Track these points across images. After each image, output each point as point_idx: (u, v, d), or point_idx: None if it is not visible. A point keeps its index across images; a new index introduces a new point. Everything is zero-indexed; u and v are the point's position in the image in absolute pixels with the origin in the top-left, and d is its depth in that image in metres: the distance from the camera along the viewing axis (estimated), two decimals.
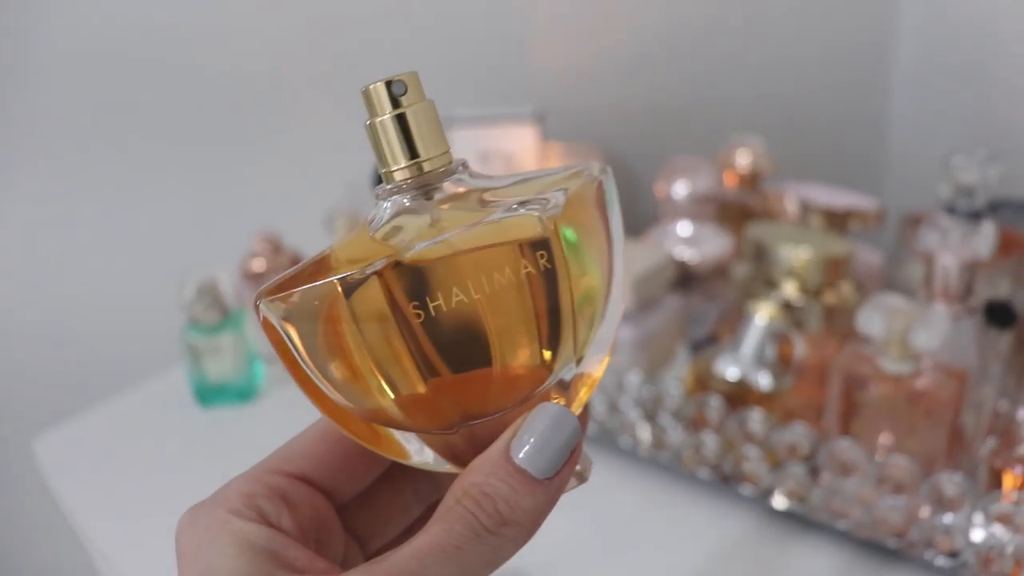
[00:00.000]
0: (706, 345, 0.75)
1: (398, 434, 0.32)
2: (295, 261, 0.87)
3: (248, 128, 1.00)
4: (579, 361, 0.33)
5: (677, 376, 0.76)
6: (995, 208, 0.74)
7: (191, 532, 0.31)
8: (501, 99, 0.99)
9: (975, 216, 0.72)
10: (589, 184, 0.33)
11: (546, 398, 0.32)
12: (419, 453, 0.33)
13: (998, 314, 0.69)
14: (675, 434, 0.68)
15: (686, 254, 0.83)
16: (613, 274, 0.34)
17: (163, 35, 0.92)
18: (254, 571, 0.29)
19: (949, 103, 0.99)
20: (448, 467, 0.33)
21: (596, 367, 0.34)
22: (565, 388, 0.33)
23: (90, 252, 0.98)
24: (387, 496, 0.38)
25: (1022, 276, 0.80)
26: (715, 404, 0.68)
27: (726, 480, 0.66)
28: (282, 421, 0.78)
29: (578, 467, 0.33)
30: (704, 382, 0.72)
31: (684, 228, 0.85)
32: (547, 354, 0.32)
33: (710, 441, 0.66)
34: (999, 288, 0.75)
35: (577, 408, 0.34)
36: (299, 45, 0.97)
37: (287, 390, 0.85)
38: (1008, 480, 0.58)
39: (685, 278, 0.83)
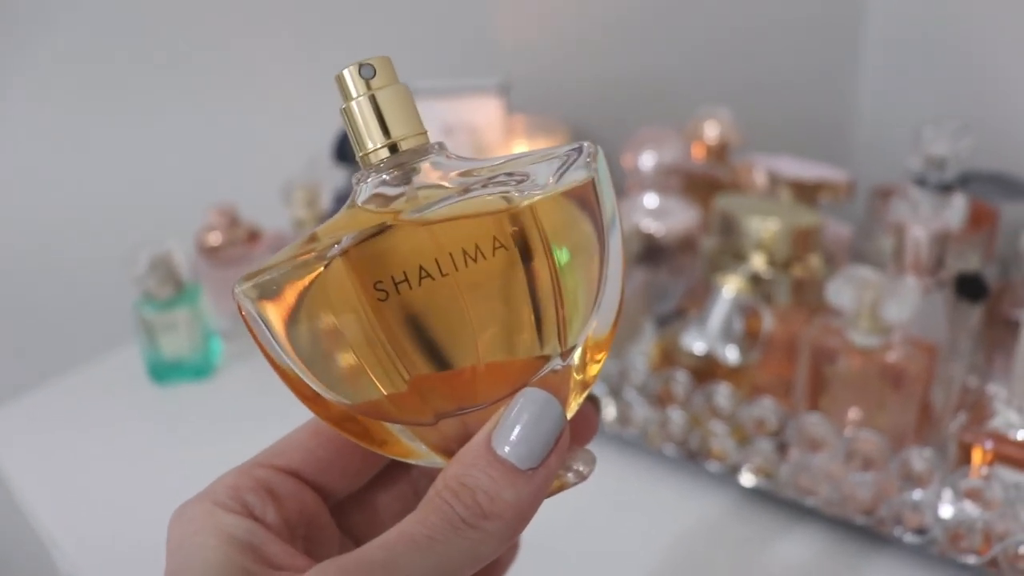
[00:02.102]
0: (672, 319, 0.74)
1: (392, 429, 0.31)
2: (252, 234, 0.85)
3: (203, 97, 0.97)
4: (568, 352, 0.31)
5: (643, 351, 0.75)
6: (966, 181, 0.73)
7: (179, 524, 0.30)
8: (465, 71, 0.97)
9: (946, 188, 0.71)
10: (574, 165, 0.31)
11: (544, 388, 0.30)
12: (413, 449, 0.32)
13: (969, 287, 0.68)
14: (641, 410, 0.66)
15: (652, 226, 0.81)
16: (607, 259, 0.32)
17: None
18: (230, 563, 0.28)
19: (920, 74, 0.98)
20: (442, 462, 0.32)
21: (593, 359, 0.33)
22: (561, 378, 0.32)
23: (40, 223, 0.96)
24: (386, 496, 0.37)
25: (993, 249, 0.79)
26: (681, 379, 0.66)
27: (692, 457, 0.64)
28: (239, 398, 0.78)
29: (578, 465, 0.32)
30: (670, 357, 0.70)
31: (650, 200, 0.83)
32: (532, 341, 0.30)
33: (676, 417, 0.65)
34: (970, 261, 0.74)
35: (576, 399, 0.33)
36: (259, 14, 0.95)
37: (245, 367, 0.83)
38: (977, 456, 0.58)
39: (651, 251, 0.81)
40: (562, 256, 0.30)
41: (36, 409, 0.80)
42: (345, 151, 0.87)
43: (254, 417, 0.75)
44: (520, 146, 0.91)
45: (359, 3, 0.96)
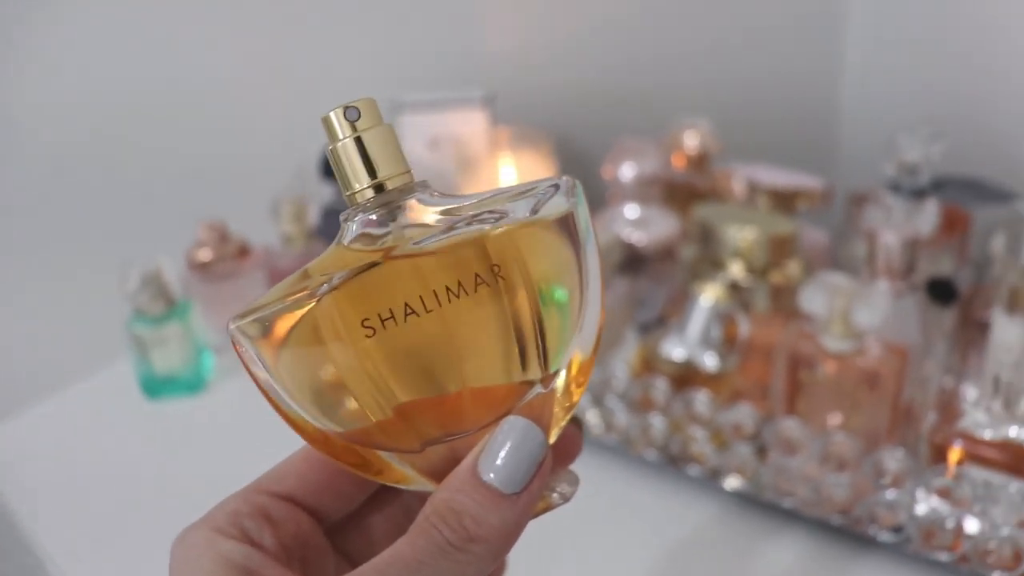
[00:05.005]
0: (655, 327, 0.75)
1: (382, 456, 0.32)
2: (242, 250, 0.86)
3: (190, 112, 0.98)
4: (551, 377, 0.33)
5: (624, 359, 0.76)
6: (940, 186, 0.75)
7: (180, 549, 0.32)
8: (450, 83, 0.98)
9: (919, 194, 0.73)
10: (553, 199, 0.32)
11: (529, 413, 0.32)
12: (404, 474, 0.33)
13: (939, 291, 0.70)
14: (622, 416, 0.68)
15: (633, 236, 0.83)
16: (587, 285, 0.33)
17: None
18: None
19: (900, 82, 0.99)
20: (431, 487, 0.33)
21: (576, 384, 0.34)
22: (546, 402, 0.33)
23: (30, 243, 0.97)
24: (379, 517, 0.38)
25: (966, 253, 0.80)
26: (661, 386, 0.68)
27: (674, 461, 0.66)
28: (231, 412, 0.79)
29: (563, 486, 0.34)
30: (651, 364, 0.72)
31: (631, 211, 0.85)
32: (515, 370, 0.32)
33: (657, 423, 0.66)
34: (942, 265, 0.76)
35: (560, 422, 0.34)
36: (242, 28, 0.96)
37: (236, 381, 0.84)
38: (953, 455, 0.59)
39: (633, 260, 0.83)
40: (542, 288, 0.31)
41: (30, 425, 0.81)
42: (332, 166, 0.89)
43: (246, 430, 0.76)
44: (505, 158, 0.93)
45: (344, 17, 0.98)
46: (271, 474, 0.35)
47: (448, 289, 0.30)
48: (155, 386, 0.82)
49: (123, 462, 0.75)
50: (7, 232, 0.96)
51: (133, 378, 0.83)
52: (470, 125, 0.91)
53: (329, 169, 0.88)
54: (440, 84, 0.99)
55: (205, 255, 0.85)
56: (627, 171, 0.84)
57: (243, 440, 0.75)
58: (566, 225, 0.32)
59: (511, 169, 0.92)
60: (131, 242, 0.88)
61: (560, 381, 0.33)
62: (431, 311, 0.30)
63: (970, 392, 0.61)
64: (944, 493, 0.57)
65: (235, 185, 0.99)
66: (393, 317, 0.29)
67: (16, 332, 1.00)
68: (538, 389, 0.32)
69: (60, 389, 0.85)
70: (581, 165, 1.03)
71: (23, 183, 0.94)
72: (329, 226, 0.89)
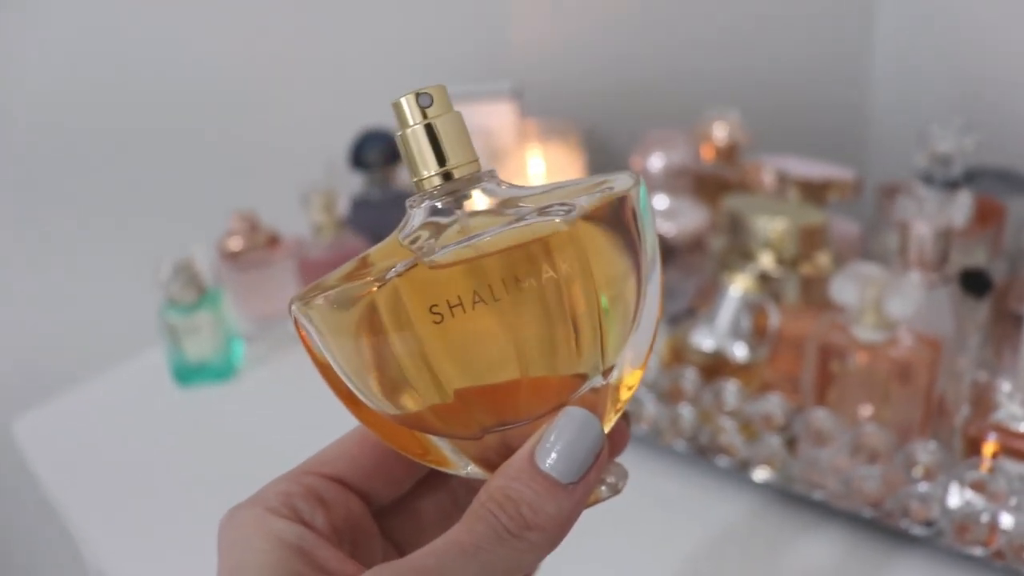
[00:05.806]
0: (684, 318, 0.75)
1: (435, 441, 0.33)
2: (272, 239, 0.87)
3: (224, 105, 0.99)
4: (608, 371, 0.33)
5: (654, 349, 0.76)
6: (972, 177, 0.74)
7: (230, 528, 0.32)
8: (478, 76, 0.98)
9: (952, 185, 0.72)
10: (617, 193, 0.32)
11: (583, 405, 0.32)
12: (455, 460, 0.33)
13: (973, 282, 0.69)
14: (652, 407, 0.68)
15: (663, 227, 0.83)
16: (646, 284, 0.33)
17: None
18: (283, 566, 0.30)
19: (932, 72, 0.99)
20: (482, 474, 0.33)
21: (630, 378, 0.34)
22: (599, 396, 0.33)
23: (65, 234, 0.98)
24: (426, 503, 0.38)
25: (1000, 245, 0.80)
26: (690, 376, 0.68)
27: (703, 452, 0.66)
28: (261, 399, 0.80)
29: (611, 479, 0.33)
30: (681, 354, 0.71)
31: (660, 202, 0.85)
32: (573, 361, 0.32)
33: (686, 413, 0.66)
34: (975, 256, 0.75)
35: (611, 417, 0.34)
36: (277, 25, 0.97)
37: (266, 368, 0.84)
38: (987, 448, 0.58)
39: (662, 251, 0.82)
40: (602, 281, 0.31)
41: (65, 411, 0.82)
42: (361, 157, 0.89)
43: (275, 417, 0.77)
44: (533, 150, 0.92)
45: (374, 10, 0.98)
46: (322, 456, 0.35)
47: (516, 278, 0.30)
48: (186, 373, 0.82)
49: (155, 448, 0.76)
50: (43, 224, 0.97)
51: (165, 365, 0.84)
52: (498, 117, 0.91)
53: (359, 159, 0.89)
54: (468, 77, 0.99)
55: (236, 244, 0.86)
56: (656, 162, 0.84)
57: (272, 427, 0.75)
58: (628, 220, 0.32)
59: (539, 161, 0.92)
60: (164, 232, 0.89)
61: (615, 375, 0.33)
62: (499, 299, 0.30)
63: (1004, 385, 0.60)
64: (978, 487, 0.57)
65: (266, 175, 1.00)
66: (461, 304, 0.29)
67: (51, 320, 1.01)
68: (596, 380, 0.32)
69: (94, 376, 0.86)
70: (609, 156, 1.02)
71: (58, 176, 0.96)
72: (358, 216, 0.90)
